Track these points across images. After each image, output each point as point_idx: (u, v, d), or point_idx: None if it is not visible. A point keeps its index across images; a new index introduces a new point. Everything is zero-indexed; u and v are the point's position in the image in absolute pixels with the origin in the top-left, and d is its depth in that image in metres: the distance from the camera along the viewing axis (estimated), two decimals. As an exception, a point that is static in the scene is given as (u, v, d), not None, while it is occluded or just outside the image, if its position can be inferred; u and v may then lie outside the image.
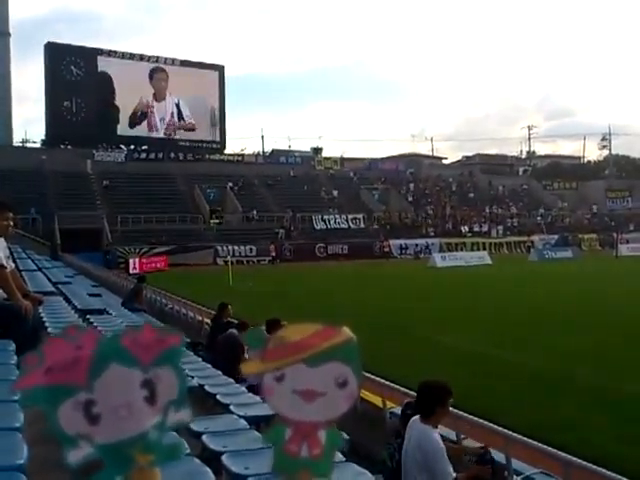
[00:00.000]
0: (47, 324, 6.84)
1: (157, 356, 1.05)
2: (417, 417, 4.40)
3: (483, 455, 4.71)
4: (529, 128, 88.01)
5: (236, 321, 9.98)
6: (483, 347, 12.61)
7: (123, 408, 1.03)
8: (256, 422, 5.52)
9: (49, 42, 52.16)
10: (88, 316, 9.42)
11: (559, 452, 5.15)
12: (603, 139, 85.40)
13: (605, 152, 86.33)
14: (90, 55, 52.72)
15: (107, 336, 1.07)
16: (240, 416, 5.30)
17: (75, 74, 51.78)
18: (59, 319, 7.58)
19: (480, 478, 4.52)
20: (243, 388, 6.89)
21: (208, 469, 3.89)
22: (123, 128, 54.20)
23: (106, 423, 1.03)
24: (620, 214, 61.36)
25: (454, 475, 4.21)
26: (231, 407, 5.65)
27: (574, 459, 5.00)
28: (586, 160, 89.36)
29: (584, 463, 4.95)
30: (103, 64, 52.96)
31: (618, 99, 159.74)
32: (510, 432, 5.55)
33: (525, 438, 5.47)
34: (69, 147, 52.06)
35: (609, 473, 4.70)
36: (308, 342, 1.08)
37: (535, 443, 5.38)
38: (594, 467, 4.88)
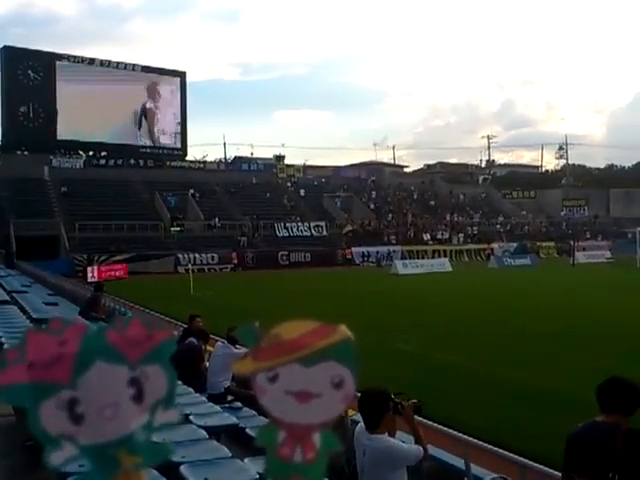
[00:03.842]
0: None
1: (145, 353, 0.99)
2: (363, 429, 4.19)
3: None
4: (489, 137, 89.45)
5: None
6: (430, 350, 13.47)
7: (109, 407, 0.98)
8: (216, 432, 5.45)
9: (6, 46, 51.00)
10: (43, 326, 9.18)
11: (516, 456, 5.22)
12: (560, 149, 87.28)
13: (562, 162, 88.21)
14: (48, 60, 51.68)
15: (92, 331, 1.01)
16: (200, 426, 5.24)
17: (32, 79, 50.72)
18: (12, 329, 7.40)
19: (417, 407, 4.45)
20: (203, 398, 6.82)
21: (165, 480, 3.82)
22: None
23: (90, 423, 0.97)
24: (577, 222, 62.75)
25: (420, 449, 4.16)
26: (191, 417, 5.58)
27: (531, 463, 5.07)
28: (544, 169, 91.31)
29: (541, 467, 5.02)
30: (62, 69, 52.07)
31: (576, 111, 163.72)
32: (469, 437, 5.60)
33: (483, 443, 5.52)
34: (26, 153, 50.97)
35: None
36: (303, 341, 1.02)
37: (493, 448, 5.44)
38: (551, 471, 4.94)
